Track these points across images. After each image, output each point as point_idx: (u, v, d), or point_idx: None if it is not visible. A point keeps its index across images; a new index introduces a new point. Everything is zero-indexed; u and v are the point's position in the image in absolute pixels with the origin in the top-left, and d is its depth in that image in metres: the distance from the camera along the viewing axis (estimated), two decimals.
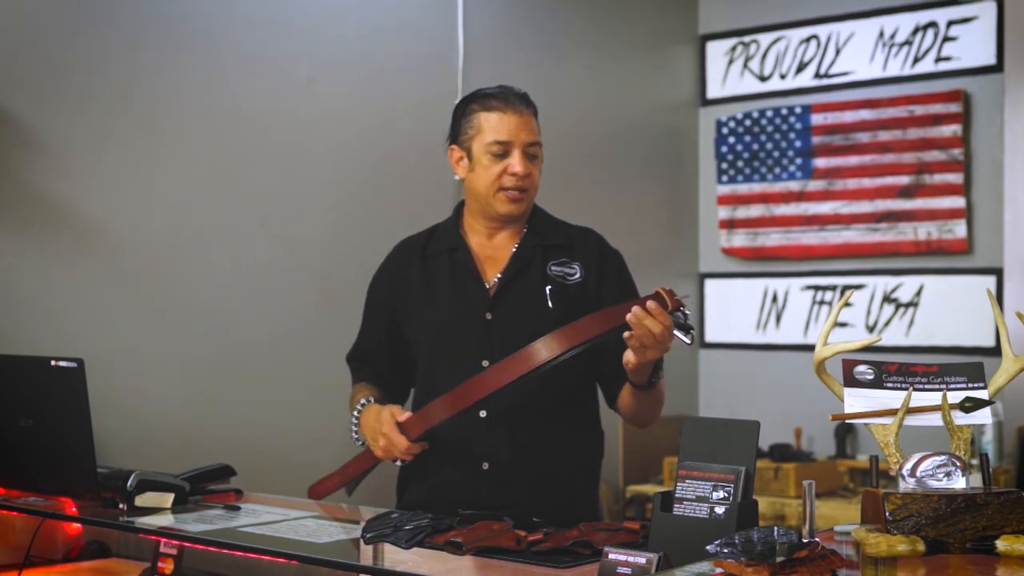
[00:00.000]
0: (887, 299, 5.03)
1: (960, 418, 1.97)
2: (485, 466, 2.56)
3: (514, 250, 2.63)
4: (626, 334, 2.35)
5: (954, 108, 4.87)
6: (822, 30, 5.23)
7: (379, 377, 2.75)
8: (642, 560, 1.81)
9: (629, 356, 2.39)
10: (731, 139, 5.40)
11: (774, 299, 5.33)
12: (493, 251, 2.65)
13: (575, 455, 2.64)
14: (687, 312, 2.47)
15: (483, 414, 2.56)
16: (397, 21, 4.16)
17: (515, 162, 2.54)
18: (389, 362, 2.73)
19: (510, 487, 2.54)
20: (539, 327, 2.53)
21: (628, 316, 2.34)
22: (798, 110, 5.23)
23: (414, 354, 2.69)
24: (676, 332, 2.44)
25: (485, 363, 2.54)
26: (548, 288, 2.58)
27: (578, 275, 2.62)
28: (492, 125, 2.56)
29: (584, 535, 2.12)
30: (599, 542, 2.05)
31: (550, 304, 2.57)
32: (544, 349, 2.40)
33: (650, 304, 2.35)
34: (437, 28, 4.29)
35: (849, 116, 5.10)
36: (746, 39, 5.43)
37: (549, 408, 2.57)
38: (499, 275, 2.61)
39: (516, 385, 2.44)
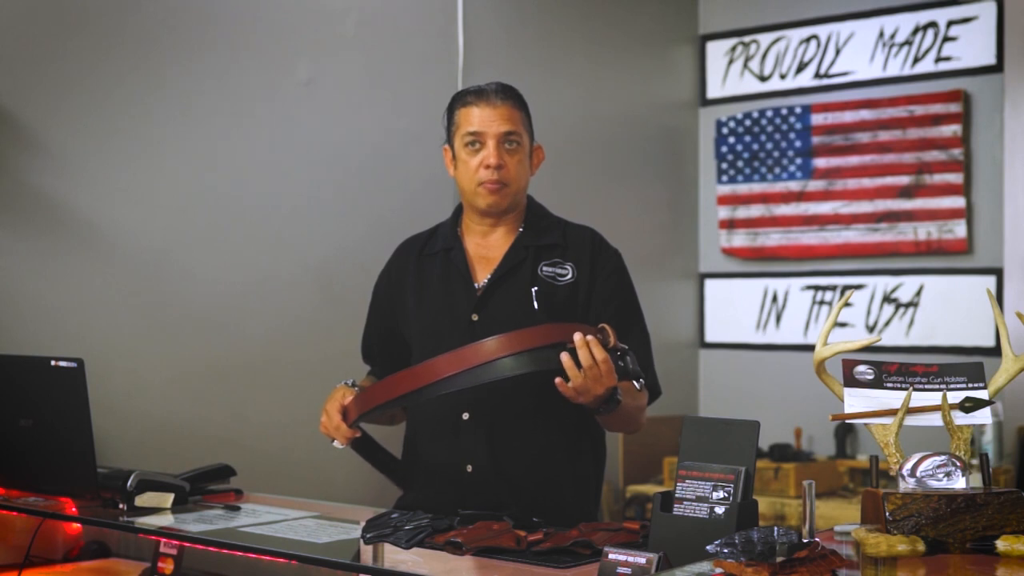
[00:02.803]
0: (887, 299, 5.03)
1: (960, 418, 1.98)
2: (469, 468, 2.55)
3: (507, 251, 2.63)
4: (564, 357, 2.30)
5: (954, 108, 4.87)
6: (822, 30, 5.23)
7: (384, 373, 2.74)
8: (642, 560, 1.81)
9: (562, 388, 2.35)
10: (731, 139, 5.40)
11: (774, 299, 5.33)
12: (487, 251, 2.64)
13: (567, 462, 2.60)
14: (630, 359, 2.41)
15: (466, 416, 2.55)
16: (397, 21, 4.16)
17: (489, 153, 2.54)
18: (391, 360, 2.73)
19: (494, 490, 2.52)
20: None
21: (576, 336, 2.30)
22: (798, 110, 5.23)
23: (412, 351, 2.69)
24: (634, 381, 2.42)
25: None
26: (535, 289, 2.57)
27: (569, 275, 2.60)
28: (467, 118, 2.57)
29: (584, 535, 2.13)
30: (599, 542, 2.06)
31: (536, 305, 2.55)
32: (494, 346, 2.32)
33: (589, 338, 2.30)
34: (437, 28, 4.29)
35: (849, 116, 5.10)
36: (746, 39, 5.43)
37: (532, 411, 2.54)
38: (488, 276, 2.61)
39: (466, 382, 2.36)
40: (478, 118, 2.55)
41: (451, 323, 2.58)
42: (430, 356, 2.53)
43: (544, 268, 2.60)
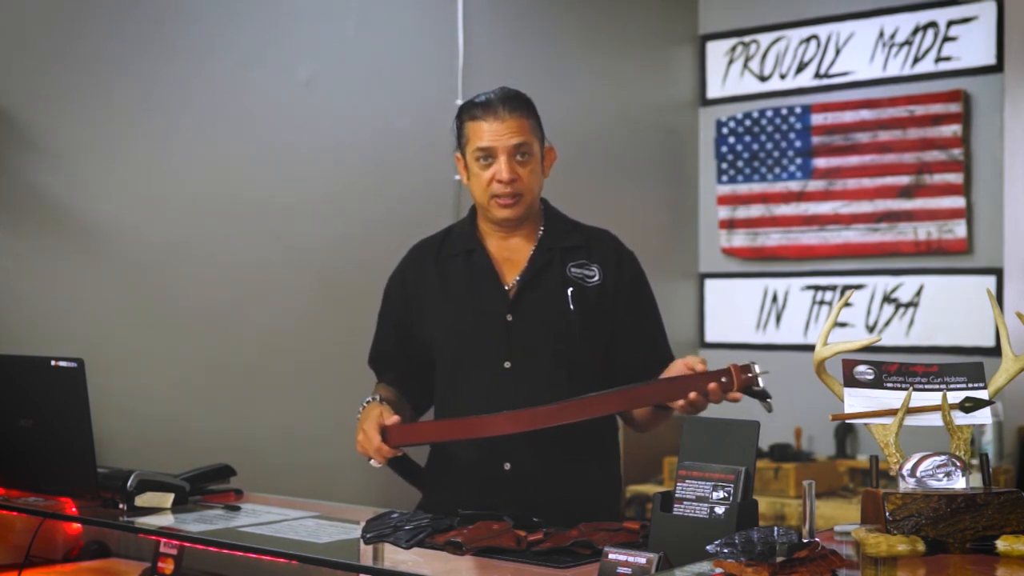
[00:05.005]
0: (887, 299, 5.03)
1: (960, 418, 1.98)
2: (507, 466, 2.56)
3: (532, 252, 2.64)
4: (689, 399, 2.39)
5: (954, 108, 4.87)
6: (822, 30, 5.23)
7: (399, 379, 2.74)
8: (642, 560, 1.81)
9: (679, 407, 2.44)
10: (731, 139, 5.40)
11: (774, 299, 5.33)
12: (510, 253, 2.65)
13: (599, 460, 2.64)
14: (760, 384, 2.46)
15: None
16: (397, 21, 4.16)
17: (501, 168, 2.54)
18: (406, 364, 2.73)
19: (531, 488, 2.54)
20: (560, 329, 2.56)
21: (691, 396, 2.36)
22: (798, 110, 5.23)
23: (431, 355, 2.68)
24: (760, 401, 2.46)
25: (507, 364, 2.55)
26: (570, 290, 2.59)
27: (597, 278, 2.63)
28: (476, 133, 2.56)
29: (584, 535, 2.13)
30: (599, 542, 2.06)
31: (571, 306, 2.58)
32: (571, 412, 2.40)
33: (712, 387, 2.36)
34: (437, 28, 4.29)
35: (849, 116, 5.10)
36: (746, 39, 5.43)
37: None
38: (518, 277, 2.62)
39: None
40: (487, 133, 2.55)
41: (483, 324, 2.60)
42: (463, 357, 2.60)
43: (572, 269, 2.63)
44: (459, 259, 2.67)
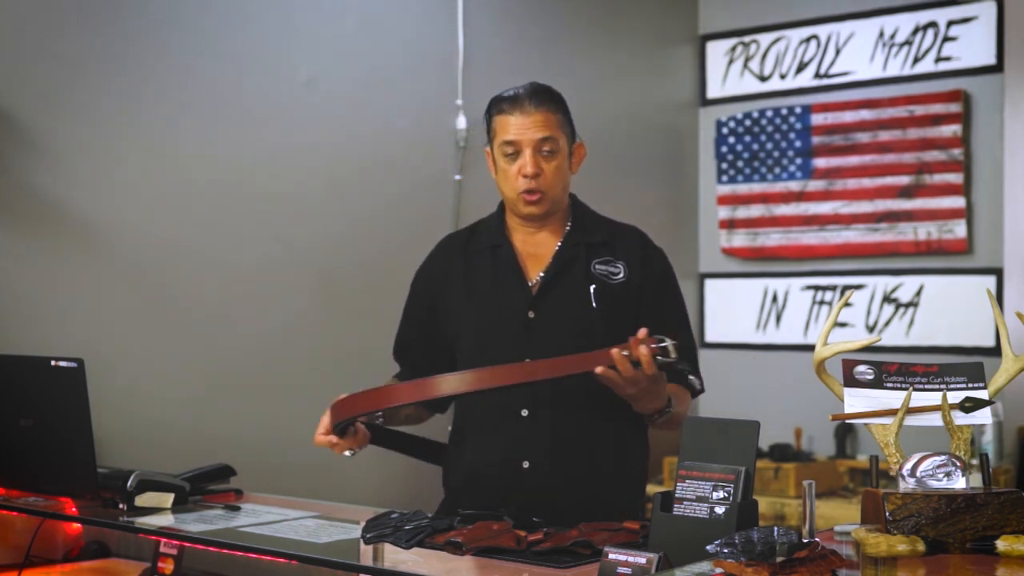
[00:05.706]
0: (887, 299, 5.03)
1: (960, 418, 1.98)
2: (525, 464, 2.56)
3: (557, 248, 2.63)
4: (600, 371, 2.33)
5: (954, 108, 4.87)
6: (822, 30, 5.23)
7: (415, 372, 2.74)
8: (642, 560, 1.81)
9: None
10: (731, 139, 5.40)
11: (774, 299, 5.33)
12: (536, 248, 2.65)
13: (618, 457, 2.62)
14: (668, 356, 2.41)
15: (524, 412, 2.55)
16: (397, 21, 4.16)
17: (525, 162, 2.55)
18: (427, 357, 2.72)
19: (550, 486, 2.54)
20: (583, 326, 2.56)
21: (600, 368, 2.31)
22: (798, 110, 5.23)
23: (453, 350, 2.68)
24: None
25: (526, 361, 2.54)
26: (592, 287, 2.59)
27: (621, 274, 2.62)
28: (503, 127, 2.58)
29: (584, 535, 2.13)
30: (599, 542, 2.06)
31: (594, 303, 2.57)
32: (485, 378, 2.38)
33: (615, 354, 2.30)
34: (437, 28, 4.29)
35: (849, 116, 5.10)
36: (746, 39, 5.43)
37: (591, 409, 2.55)
38: (541, 273, 2.62)
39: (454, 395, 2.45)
40: (513, 127, 2.56)
41: (506, 320, 2.59)
42: (484, 352, 2.56)
43: (597, 266, 2.62)
44: (485, 254, 2.67)
